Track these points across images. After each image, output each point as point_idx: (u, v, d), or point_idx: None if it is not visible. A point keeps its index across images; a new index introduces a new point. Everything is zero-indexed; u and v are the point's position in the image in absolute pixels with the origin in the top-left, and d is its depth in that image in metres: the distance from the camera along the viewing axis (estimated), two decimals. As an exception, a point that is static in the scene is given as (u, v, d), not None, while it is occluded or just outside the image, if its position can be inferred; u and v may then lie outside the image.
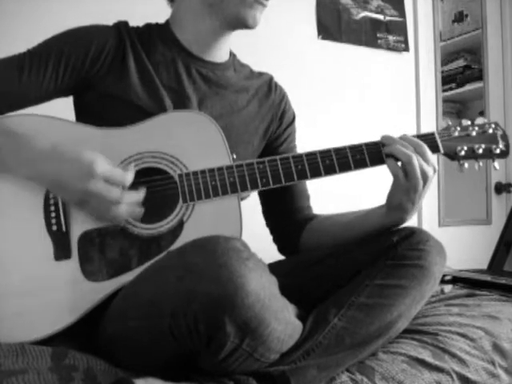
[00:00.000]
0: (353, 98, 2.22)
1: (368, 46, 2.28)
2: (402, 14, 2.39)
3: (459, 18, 2.77)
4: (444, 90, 2.63)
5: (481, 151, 0.99)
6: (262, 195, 1.18)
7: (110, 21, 1.04)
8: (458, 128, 1.00)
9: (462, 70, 2.78)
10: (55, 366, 0.75)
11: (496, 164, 1.00)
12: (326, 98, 2.15)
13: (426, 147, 0.93)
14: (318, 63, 2.15)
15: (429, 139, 0.96)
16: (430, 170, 0.92)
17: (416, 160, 0.91)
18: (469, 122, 1.01)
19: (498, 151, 1.00)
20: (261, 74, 1.19)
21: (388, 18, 2.34)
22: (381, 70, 2.31)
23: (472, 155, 0.99)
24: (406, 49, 2.39)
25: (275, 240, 1.20)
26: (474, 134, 1.00)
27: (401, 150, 0.92)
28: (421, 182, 0.91)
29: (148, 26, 1.08)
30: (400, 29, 2.38)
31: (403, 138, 0.95)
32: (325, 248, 1.06)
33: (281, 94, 1.18)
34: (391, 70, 2.35)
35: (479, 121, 1.02)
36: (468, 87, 2.74)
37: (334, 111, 2.17)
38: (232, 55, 1.14)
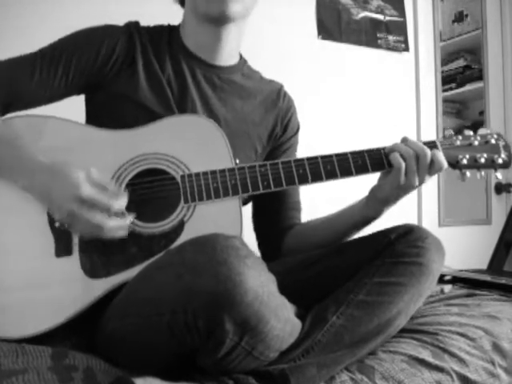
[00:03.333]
0: (353, 97, 2.22)
1: (368, 46, 2.28)
2: (402, 14, 2.39)
3: (459, 18, 2.77)
4: (444, 90, 2.63)
5: (483, 161, 0.99)
6: (255, 199, 1.18)
7: (117, 21, 1.04)
8: (460, 137, 1.00)
9: (462, 70, 2.78)
10: (55, 365, 0.75)
11: (498, 174, 1.00)
12: (325, 98, 2.15)
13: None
14: (318, 63, 2.15)
15: (430, 147, 0.96)
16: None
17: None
18: (471, 132, 1.01)
19: (500, 161, 0.99)
20: (271, 82, 1.18)
21: (388, 18, 2.35)
22: (381, 69, 2.31)
23: (474, 164, 0.99)
24: (406, 49, 2.39)
25: (258, 245, 1.20)
26: (476, 143, 0.99)
27: (404, 147, 0.94)
28: (417, 181, 0.93)
29: (160, 28, 1.08)
30: (400, 29, 2.38)
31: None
32: (322, 247, 1.06)
33: (289, 104, 1.18)
34: (391, 70, 2.35)
35: (482, 131, 1.02)
36: (468, 87, 2.74)
37: (334, 111, 2.17)
38: (243, 60, 1.14)
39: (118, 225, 0.86)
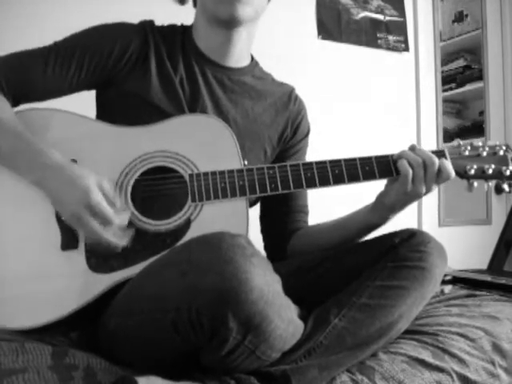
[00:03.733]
0: (352, 98, 2.22)
1: (368, 46, 2.28)
2: (402, 14, 2.39)
3: (459, 17, 2.77)
4: (444, 90, 2.63)
5: (490, 172, 0.99)
6: (263, 201, 1.19)
7: (129, 20, 1.04)
8: (469, 147, 1.00)
9: (461, 70, 2.78)
10: (55, 364, 0.75)
11: (506, 186, 1.00)
12: (325, 98, 2.15)
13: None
14: (318, 63, 2.15)
15: (438, 156, 0.96)
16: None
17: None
18: (480, 143, 1.01)
19: (508, 173, 0.99)
20: (282, 84, 1.18)
21: (388, 18, 2.35)
22: (381, 70, 2.31)
23: (481, 175, 0.99)
24: (406, 49, 2.39)
25: (265, 246, 1.20)
26: (484, 154, 1.00)
27: (412, 155, 0.94)
28: (424, 189, 0.94)
29: (174, 28, 1.08)
30: (400, 29, 2.38)
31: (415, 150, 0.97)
32: (326, 249, 1.07)
33: (299, 107, 1.18)
34: (391, 70, 2.35)
35: (490, 142, 1.02)
36: (468, 87, 2.74)
37: (334, 111, 2.17)
38: (254, 62, 1.14)
39: (114, 240, 0.86)
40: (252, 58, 1.14)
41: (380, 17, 2.33)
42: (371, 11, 2.30)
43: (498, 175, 1.00)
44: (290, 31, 2.08)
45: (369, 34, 2.29)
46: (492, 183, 1.01)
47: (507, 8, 2.69)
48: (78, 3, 1.62)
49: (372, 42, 2.30)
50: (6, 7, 1.55)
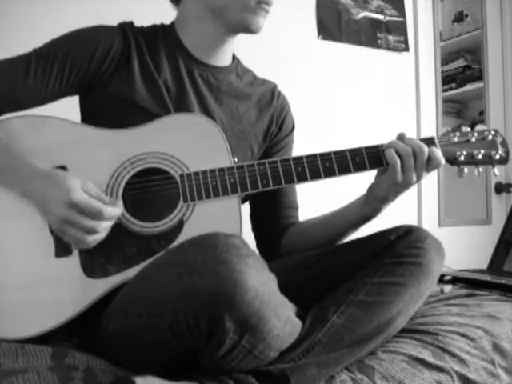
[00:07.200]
0: (353, 97, 2.22)
1: (368, 46, 2.28)
2: (402, 14, 2.39)
3: (459, 17, 2.77)
4: (444, 90, 2.63)
5: (480, 157, 1.00)
6: (252, 199, 1.19)
7: (112, 21, 1.04)
8: (458, 134, 1.01)
9: (461, 70, 2.78)
10: (55, 365, 0.75)
11: (496, 170, 1.01)
12: (325, 98, 2.15)
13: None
14: (317, 63, 2.15)
15: (428, 143, 0.96)
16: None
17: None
18: (468, 129, 1.02)
19: (497, 157, 1.00)
20: (264, 81, 1.19)
21: (388, 18, 2.34)
22: (381, 70, 2.31)
23: (471, 160, 1.00)
24: (406, 49, 2.39)
25: (257, 244, 1.20)
26: (473, 139, 1.00)
27: (401, 145, 0.94)
28: (415, 178, 0.94)
29: (154, 27, 1.08)
30: (400, 29, 2.38)
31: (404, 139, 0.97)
32: (322, 247, 1.06)
33: (283, 103, 1.19)
34: (391, 70, 2.35)
35: (479, 127, 1.03)
36: (468, 87, 2.74)
37: (334, 111, 2.17)
38: (236, 60, 1.15)
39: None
40: (233, 57, 1.14)
41: (380, 17, 2.32)
42: (371, 11, 2.30)
43: (488, 160, 1.01)
44: (290, 31, 2.08)
45: (369, 34, 2.29)
46: (482, 168, 1.02)
47: (507, 8, 2.69)
48: (73, 3, 1.61)
49: (372, 42, 2.30)
50: (3, 8, 1.55)
